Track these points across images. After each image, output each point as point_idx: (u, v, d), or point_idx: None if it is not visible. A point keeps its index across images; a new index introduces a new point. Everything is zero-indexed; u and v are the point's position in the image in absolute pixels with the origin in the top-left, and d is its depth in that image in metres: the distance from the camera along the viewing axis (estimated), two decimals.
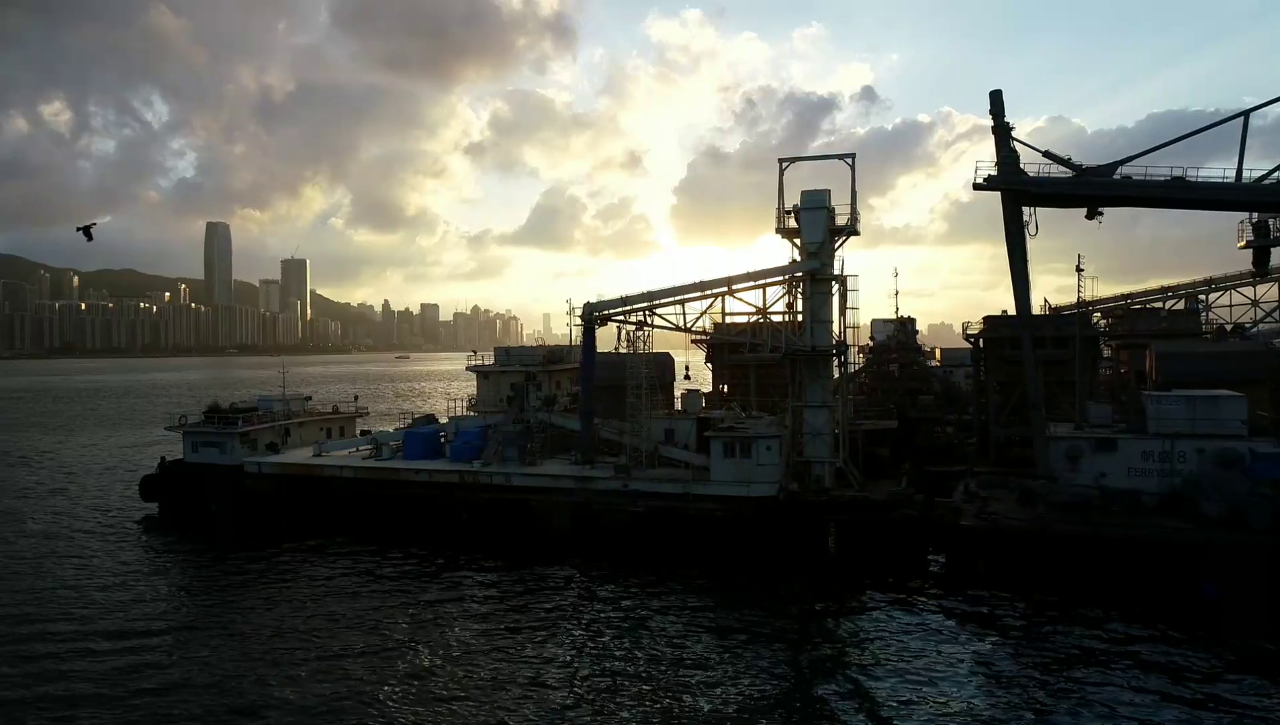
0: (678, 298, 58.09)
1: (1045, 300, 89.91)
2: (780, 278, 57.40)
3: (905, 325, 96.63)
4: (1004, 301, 57.31)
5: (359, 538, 57.23)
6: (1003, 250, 51.81)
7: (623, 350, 60.61)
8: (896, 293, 57.38)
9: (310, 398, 79.16)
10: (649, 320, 59.08)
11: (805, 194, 56.79)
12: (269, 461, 65.69)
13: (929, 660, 36.58)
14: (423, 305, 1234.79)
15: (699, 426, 60.93)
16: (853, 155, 57.88)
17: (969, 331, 74.40)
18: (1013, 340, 67.32)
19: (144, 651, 38.55)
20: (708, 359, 77.54)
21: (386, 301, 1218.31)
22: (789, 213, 58.72)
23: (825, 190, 56.79)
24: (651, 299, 58.49)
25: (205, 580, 50.67)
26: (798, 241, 57.50)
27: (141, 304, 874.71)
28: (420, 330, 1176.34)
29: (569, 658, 37.63)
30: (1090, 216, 50.71)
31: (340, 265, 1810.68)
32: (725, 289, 57.37)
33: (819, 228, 55.94)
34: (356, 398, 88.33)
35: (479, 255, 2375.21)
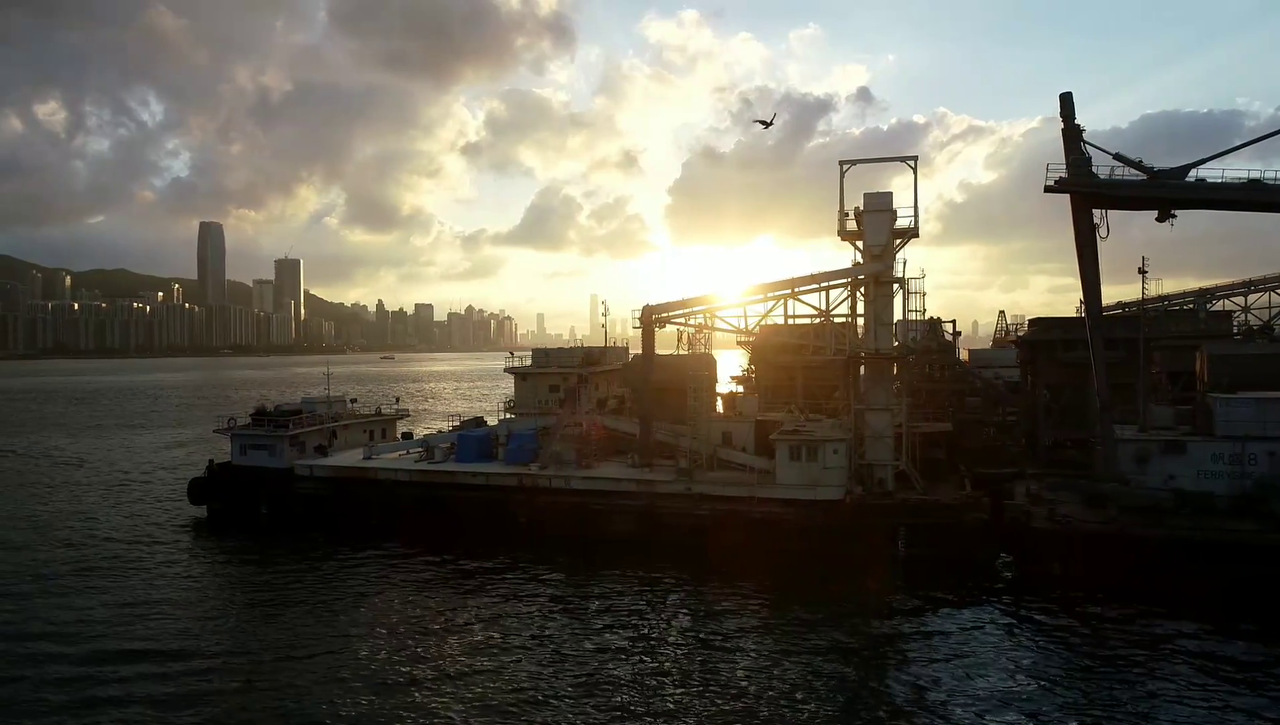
0: (740, 300, 57.88)
1: (1081, 301, 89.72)
2: (844, 280, 57.17)
3: (935, 326, 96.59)
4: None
5: (415, 541, 56.64)
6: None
7: (682, 352, 60.40)
8: (924, 294, 57.38)
9: (355, 399, 78.69)
10: (709, 322, 58.85)
11: (868, 196, 56.76)
12: (320, 464, 65.32)
13: (1010, 661, 36.75)
14: (417, 305, 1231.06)
15: (757, 429, 60.90)
16: (914, 157, 58.02)
17: (1011, 333, 74.39)
18: (1065, 342, 67.58)
19: (208, 658, 38.01)
20: (751, 361, 77.28)
21: (380, 302, 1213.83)
22: (845, 215, 58.79)
23: (888, 193, 56.81)
24: (713, 302, 58.26)
25: (264, 587, 49.52)
26: (859, 244, 57.43)
27: (135, 304, 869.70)
28: (414, 330, 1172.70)
29: (639, 658, 37.72)
30: (1161, 219, 50.77)
31: (334, 265, 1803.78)
32: (789, 291, 57.19)
33: (883, 230, 55.89)
34: (398, 400, 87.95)
35: (473, 255, 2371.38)
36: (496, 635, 40.48)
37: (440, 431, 73.37)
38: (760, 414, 62.37)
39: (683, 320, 59.29)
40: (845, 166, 58.65)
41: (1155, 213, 51.40)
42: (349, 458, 66.95)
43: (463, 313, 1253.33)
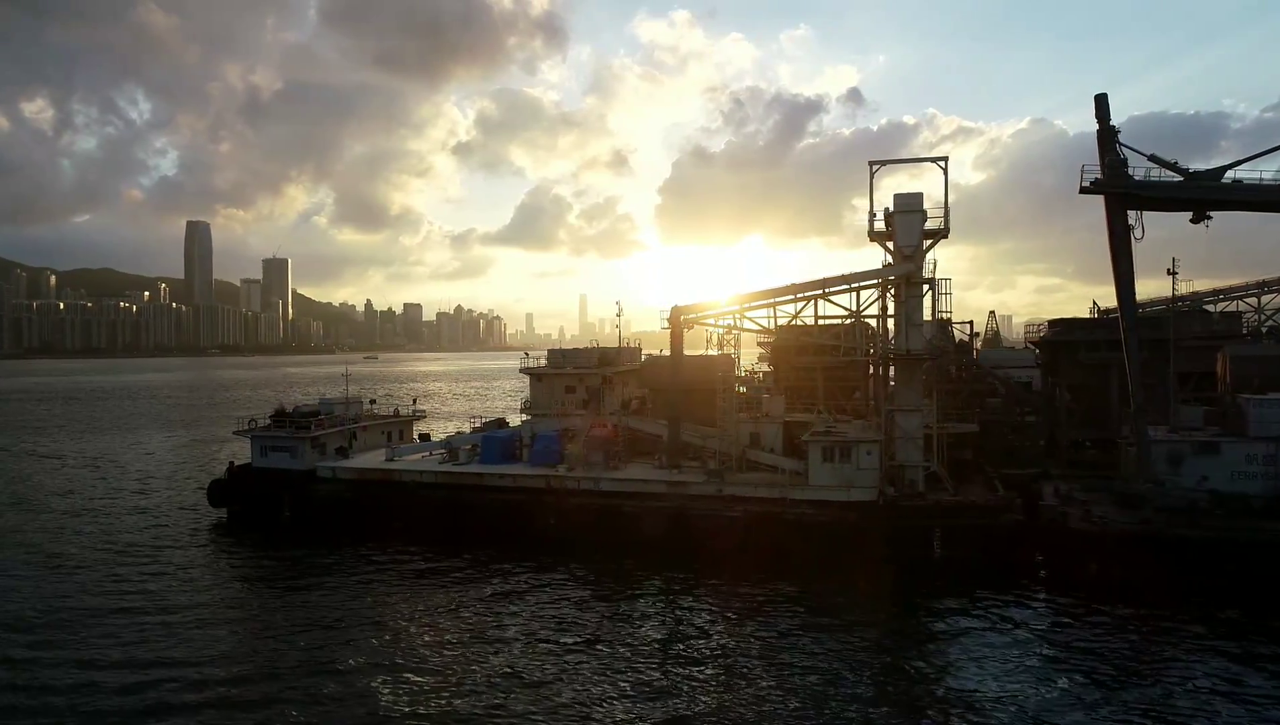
0: (770, 301, 57.70)
1: (1094, 302, 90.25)
2: (874, 281, 57.07)
3: (945, 327, 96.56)
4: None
5: (442, 544, 56.18)
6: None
7: (711, 352, 60.18)
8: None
9: (374, 401, 78.04)
10: (738, 323, 58.65)
11: (898, 197, 56.67)
12: (343, 466, 64.75)
13: (1052, 663, 36.73)
14: (405, 305, 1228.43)
15: (786, 430, 60.75)
16: (945, 158, 58.02)
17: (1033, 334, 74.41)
18: (1088, 343, 67.69)
19: (239, 665, 37.51)
20: (770, 361, 77.08)
21: (369, 301, 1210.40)
22: (873, 215, 58.71)
23: (918, 193, 56.70)
24: (743, 302, 58.05)
25: (292, 591, 48.85)
26: (889, 245, 57.32)
27: (121, 303, 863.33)
28: (403, 330, 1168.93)
29: (678, 659, 37.75)
30: (1196, 220, 50.80)
31: (323, 265, 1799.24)
32: (820, 291, 57.05)
33: (914, 231, 55.80)
34: (415, 401, 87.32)
35: (462, 255, 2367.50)
36: (532, 638, 40.18)
37: (460, 433, 72.80)
38: (788, 415, 62.09)
39: (712, 321, 58.88)
40: (875, 167, 58.50)
41: (1189, 214, 51.28)
42: (371, 459, 66.39)
43: (451, 312, 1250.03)
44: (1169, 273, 56.45)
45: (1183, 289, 65.89)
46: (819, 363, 71.67)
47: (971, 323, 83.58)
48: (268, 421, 68.20)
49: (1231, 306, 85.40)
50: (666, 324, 59.93)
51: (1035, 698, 33.24)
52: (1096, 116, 50.93)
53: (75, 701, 33.84)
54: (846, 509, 52.90)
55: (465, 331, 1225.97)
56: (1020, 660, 37.01)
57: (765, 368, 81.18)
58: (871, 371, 76.01)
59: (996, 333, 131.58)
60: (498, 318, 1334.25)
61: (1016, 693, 33.68)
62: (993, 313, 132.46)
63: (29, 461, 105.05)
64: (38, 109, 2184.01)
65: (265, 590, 49.33)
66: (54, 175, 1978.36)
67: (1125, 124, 51.46)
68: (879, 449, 54.36)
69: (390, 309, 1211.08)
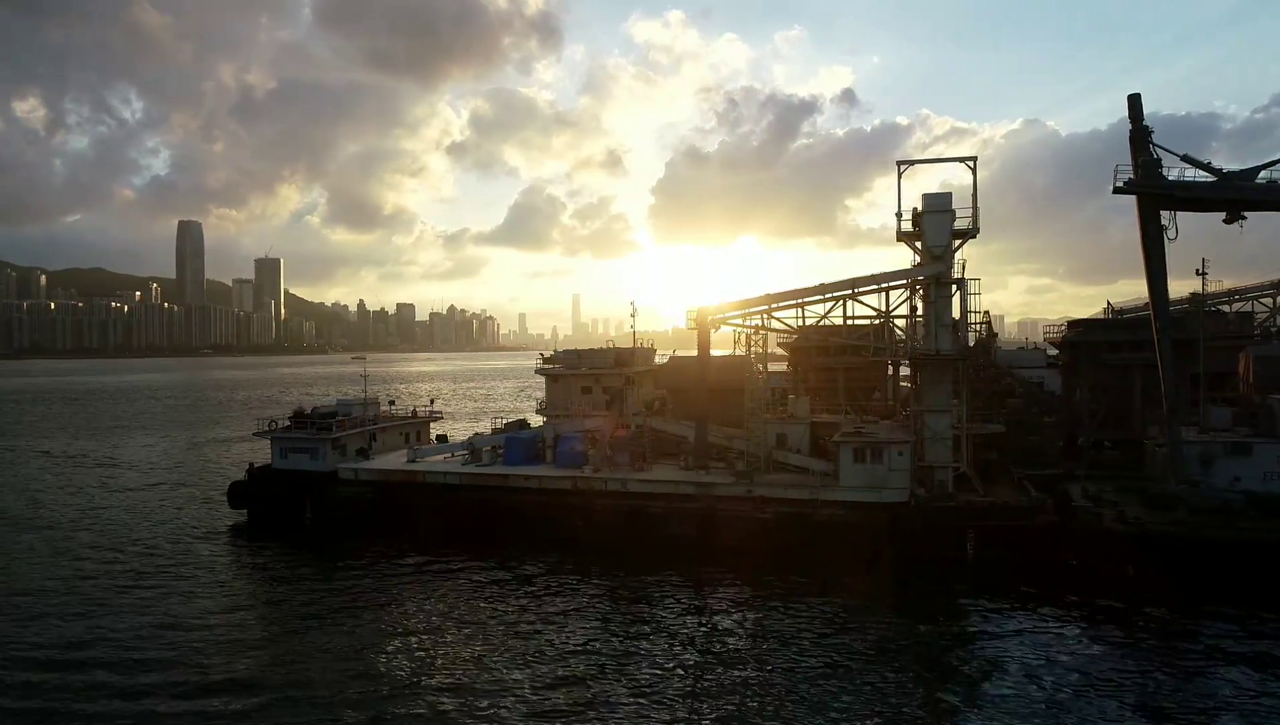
0: (798, 301, 57.50)
1: (1108, 302, 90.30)
2: (903, 281, 56.90)
3: (953, 328, 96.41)
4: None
5: (468, 545, 55.82)
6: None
7: (739, 353, 59.91)
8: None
9: (394, 401, 77.50)
10: (766, 323, 58.41)
11: (927, 197, 56.54)
12: (365, 467, 64.28)
13: (1094, 664, 36.68)
14: (398, 305, 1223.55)
15: (812, 431, 60.54)
16: (974, 158, 57.88)
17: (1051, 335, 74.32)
18: (1110, 344, 67.59)
19: (270, 667, 37.12)
20: (790, 362, 76.88)
21: (361, 301, 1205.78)
22: (901, 215, 58.64)
23: (947, 193, 56.62)
24: (771, 302, 57.81)
25: (319, 593, 48.19)
26: (918, 245, 57.18)
27: (113, 303, 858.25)
28: (396, 330, 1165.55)
29: (715, 658, 37.79)
30: (1230, 221, 50.79)
31: (315, 265, 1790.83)
32: (849, 292, 56.86)
33: (943, 231, 55.66)
34: (432, 402, 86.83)
35: (455, 255, 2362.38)
36: (569, 641, 40.01)
37: (479, 433, 72.33)
38: (814, 416, 61.89)
39: (740, 321, 58.62)
40: (903, 167, 58.35)
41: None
42: (394, 461, 65.94)
43: (445, 312, 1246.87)
44: (1197, 273, 56.40)
45: (1183, 290, 65.86)
46: (840, 363, 71.69)
47: (989, 322, 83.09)
48: (287, 423, 67.58)
49: (1246, 306, 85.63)
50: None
51: (1080, 701, 33.06)
52: (1130, 117, 50.93)
53: (102, 707, 33.48)
54: (878, 510, 52.66)
55: (459, 332, 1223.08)
56: (1063, 663, 36.74)
57: (781, 368, 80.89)
58: (890, 372, 76.03)
59: (994, 333, 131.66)
60: (491, 318, 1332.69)
61: (1061, 698, 33.41)
62: (987, 313, 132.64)
63: (46, 462, 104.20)
64: (29, 108, 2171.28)
65: (294, 593, 48.70)
66: (45, 174, 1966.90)
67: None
68: (910, 450, 54.12)
69: (383, 309, 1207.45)
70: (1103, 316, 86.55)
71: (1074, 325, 73.58)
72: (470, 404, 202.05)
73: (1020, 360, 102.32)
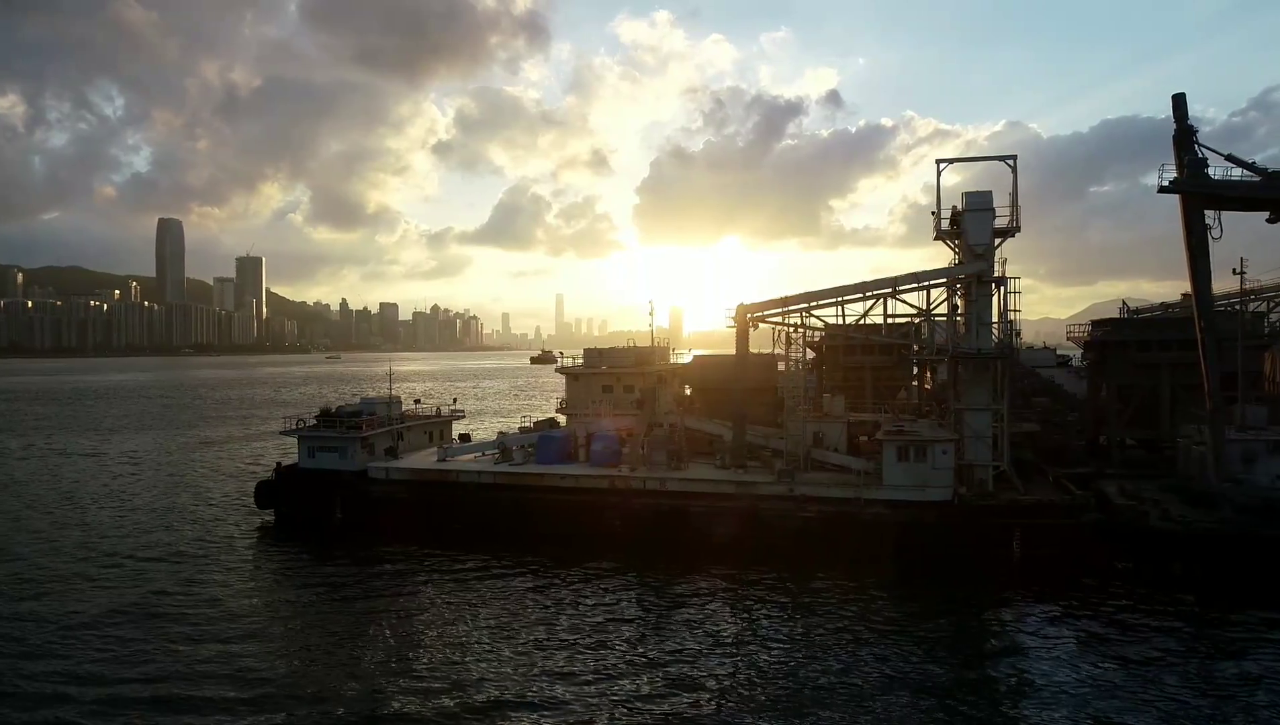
0: (839, 299, 57.33)
1: (1124, 302, 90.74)
2: (943, 280, 56.87)
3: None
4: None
5: (502, 545, 55.10)
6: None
7: (778, 351, 59.72)
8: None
9: (419, 400, 76.66)
10: (805, 321, 58.25)
11: (969, 195, 56.49)
12: (396, 467, 63.53)
13: (1150, 665, 36.56)
14: (381, 304, 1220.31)
15: (849, 430, 60.40)
16: (1014, 156, 57.74)
17: (1073, 335, 74.61)
18: (1139, 343, 67.86)
19: (307, 674, 36.28)
20: (816, 361, 76.71)
21: (344, 300, 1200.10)
22: (938, 214, 58.65)
23: (988, 191, 56.51)
24: (810, 300, 57.62)
25: (357, 597, 47.03)
26: (956, 243, 57.16)
27: (92, 302, 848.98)
28: (379, 329, 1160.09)
29: (758, 657, 37.53)
30: (1274, 220, 51.09)
31: (297, 263, 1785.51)
32: (890, 290, 56.76)
33: (985, 229, 55.64)
34: (455, 401, 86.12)
35: (439, 254, 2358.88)
36: (611, 642, 39.52)
37: (505, 432, 71.70)
38: (851, 415, 61.77)
39: (779, 318, 58.39)
40: (942, 165, 58.34)
41: (1262, 215, 51.55)
42: (423, 460, 65.23)
43: (428, 312, 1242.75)
44: (1235, 272, 56.69)
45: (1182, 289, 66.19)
46: (868, 362, 71.68)
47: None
48: (314, 421, 66.71)
49: (1260, 307, 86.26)
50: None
51: (1134, 702, 32.94)
52: (1175, 116, 51.03)
53: (128, 707, 32.89)
54: (923, 509, 52.57)
55: (442, 331, 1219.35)
56: (1118, 664, 36.54)
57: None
58: (918, 370, 76.13)
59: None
60: (474, 317, 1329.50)
61: (1120, 696, 33.37)
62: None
63: (61, 460, 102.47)
64: (9, 104, 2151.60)
65: (330, 593, 47.74)
66: (24, 171, 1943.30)
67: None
68: (954, 448, 54.08)
69: (366, 308, 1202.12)
70: (1119, 317, 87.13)
71: (1100, 324, 73.90)
72: (471, 403, 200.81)
73: (1031, 360, 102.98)
